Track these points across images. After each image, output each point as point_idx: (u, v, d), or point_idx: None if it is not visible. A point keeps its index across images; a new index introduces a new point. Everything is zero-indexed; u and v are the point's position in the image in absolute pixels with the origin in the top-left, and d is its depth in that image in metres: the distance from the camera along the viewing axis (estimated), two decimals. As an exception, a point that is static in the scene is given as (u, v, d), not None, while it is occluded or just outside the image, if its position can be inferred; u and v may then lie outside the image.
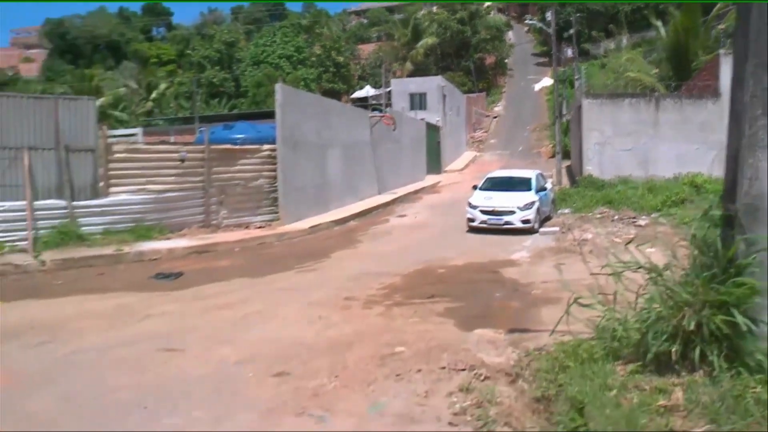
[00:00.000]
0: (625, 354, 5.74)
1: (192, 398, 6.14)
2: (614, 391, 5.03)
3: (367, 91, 54.01)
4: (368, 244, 16.56)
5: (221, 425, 5.54)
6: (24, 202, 14.11)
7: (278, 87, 19.13)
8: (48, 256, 13.44)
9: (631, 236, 13.58)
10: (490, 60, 68.76)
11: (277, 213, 18.64)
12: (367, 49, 73.36)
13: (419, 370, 6.63)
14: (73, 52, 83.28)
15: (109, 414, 5.84)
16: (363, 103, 43.45)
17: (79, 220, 14.95)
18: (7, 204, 14.09)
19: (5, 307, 10.32)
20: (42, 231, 14.32)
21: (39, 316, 9.63)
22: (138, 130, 39.26)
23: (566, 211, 20.28)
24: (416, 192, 29.77)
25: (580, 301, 6.12)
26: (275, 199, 18.70)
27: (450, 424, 5.41)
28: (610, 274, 6.17)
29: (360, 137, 25.60)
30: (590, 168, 24.35)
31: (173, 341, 7.98)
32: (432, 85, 46.09)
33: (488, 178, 19.97)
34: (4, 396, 6.35)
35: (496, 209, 17.66)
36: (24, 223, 14.07)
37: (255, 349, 7.61)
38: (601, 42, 63.54)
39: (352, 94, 57.64)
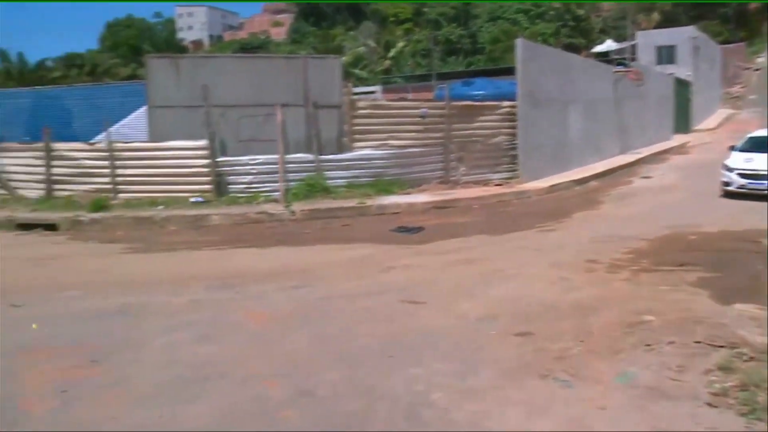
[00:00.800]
0: None
1: (434, 351, 6.23)
2: None
3: (608, 45, 51.63)
4: (611, 206, 15.81)
5: (464, 380, 5.57)
6: (277, 156, 15.26)
7: (519, 42, 18.70)
8: (297, 206, 14.49)
9: None
10: (754, 4, 62.16)
11: (515, 171, 18.36)
12: (609, 1, 69.73)
13: (671, 342, 6.19)
14: (317, 15, 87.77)
15: (358, 359, 6.10)
16: (604, 58, 41.52)
17: (325, 173, 15.85)
18: (262, 157, 15.36)
19: (261, 252, 11.32)
20: (291, 183, 15.43)
21: (291, 261, 10.44)
22: (377, 88, 41.05)
23: None
24: (662, 152, 27.77)
25: None
26: (514, 157, 18.41)
27: (709, 405, 4.95)
28: None
29: (602, 93, 24.35)
30: None
31: (415, 294, 8.16)
32: (682, 36, 42.95)
33: (750, 138, 18.05)
34: (264, 333, 6.92)
35: (758, 172, 15.91)
36: (276, 175, 15.27)
37: (496, 307, 7.57)
38: None
39: (591, 48, 55.21)
